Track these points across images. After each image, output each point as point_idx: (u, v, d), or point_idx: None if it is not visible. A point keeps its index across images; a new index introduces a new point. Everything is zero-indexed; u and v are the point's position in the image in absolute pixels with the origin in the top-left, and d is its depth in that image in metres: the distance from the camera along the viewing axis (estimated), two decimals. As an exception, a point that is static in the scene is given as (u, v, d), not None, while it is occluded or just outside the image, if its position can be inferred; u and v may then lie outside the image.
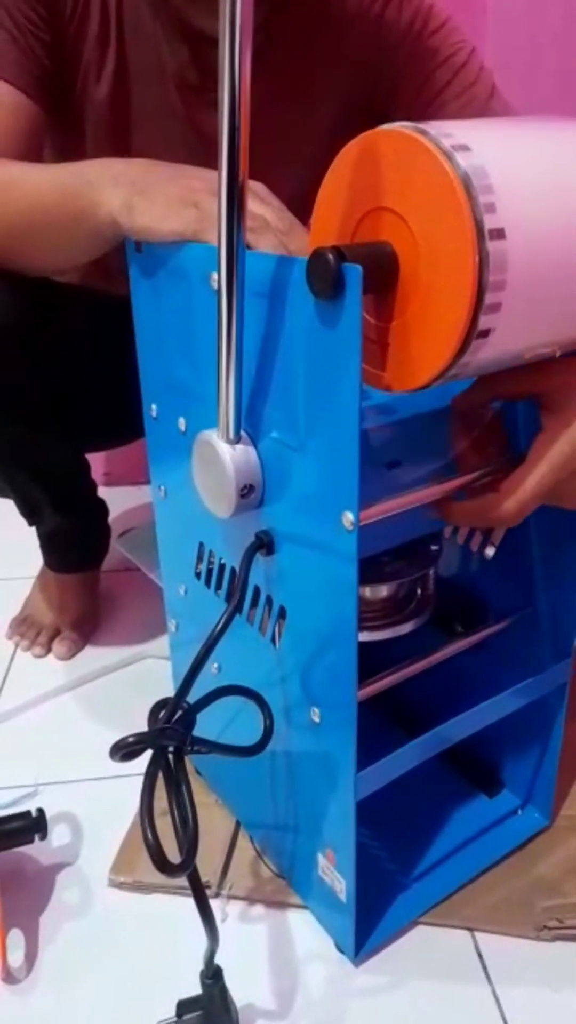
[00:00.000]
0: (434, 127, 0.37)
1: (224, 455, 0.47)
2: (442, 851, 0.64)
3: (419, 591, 0.60)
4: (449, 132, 0.37)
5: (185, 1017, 0.50)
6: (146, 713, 0.45)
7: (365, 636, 0.57)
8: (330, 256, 0.36)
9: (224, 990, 0.49)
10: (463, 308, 0.36)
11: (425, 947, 0.58)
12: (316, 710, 0.50)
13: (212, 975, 0.48)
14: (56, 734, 0.79)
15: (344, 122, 0.71)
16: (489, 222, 0.35)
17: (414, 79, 0.72)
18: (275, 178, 0.52)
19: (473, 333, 0.36)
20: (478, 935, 0.59)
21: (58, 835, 0.67)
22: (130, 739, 0.42)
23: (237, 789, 0.67)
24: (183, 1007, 0.50)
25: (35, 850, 0.64)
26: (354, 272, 0.36)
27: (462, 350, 0.37)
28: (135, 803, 0.49)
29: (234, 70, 0.36)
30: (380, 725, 0.70)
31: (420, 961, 0.57)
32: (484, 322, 0.36)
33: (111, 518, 0.94)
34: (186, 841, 0.41)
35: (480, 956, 0.57)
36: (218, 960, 0.49)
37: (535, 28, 1.00)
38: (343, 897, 0.54)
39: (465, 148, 0.36)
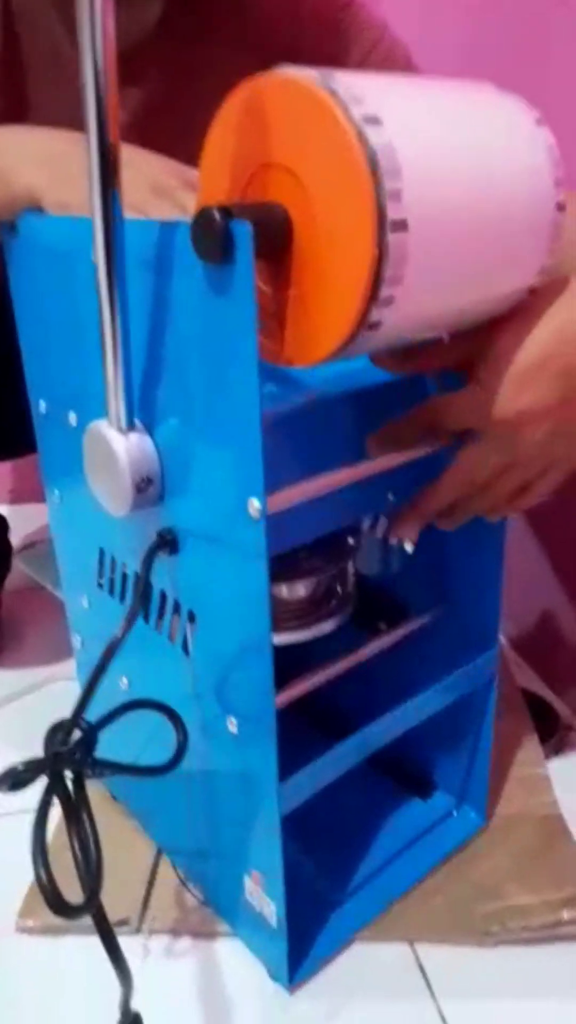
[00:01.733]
0: (343, 85, 0.33)
1: (116, 446, 0.43)
2: (377, 862, 0.60)
3: (338, 588, 0.57)
4: (359, 96, 0.33)
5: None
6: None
7: (284, 638, 0.53)
8: (217, 215, 0.33)
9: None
10: (361, 281, 0.33)
11: (364, 965, 0.54)
12: (233, 720, 0.47)
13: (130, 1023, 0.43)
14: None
15: None
16: (392, 211, 0.33)
17: (327, 55, 0.69)
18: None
19: (374, 302, 0.34)
20: (418, 947, 0.56)
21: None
22: (19, 766, 0.37)
23: (157, 813, 0.62)
24: (101, 1062, 0.45)
25: None
26: (243, 230, 0.33)
27: (363, 319, 0.34)
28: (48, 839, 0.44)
29: (95, 30, 0.32)
30: (305, 733, 0.67)
31: (359, 981, 0.53)
32: (385, 292, 0.34)
33: (19, 537, 0.87)
34: (88, 878, 0.36)
35: (422, 969, 0.54)
36: (144, 1000, 0.44)
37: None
38: (273, 921, 0.50)
39: (376, 121, 0.33)
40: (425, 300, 0.36)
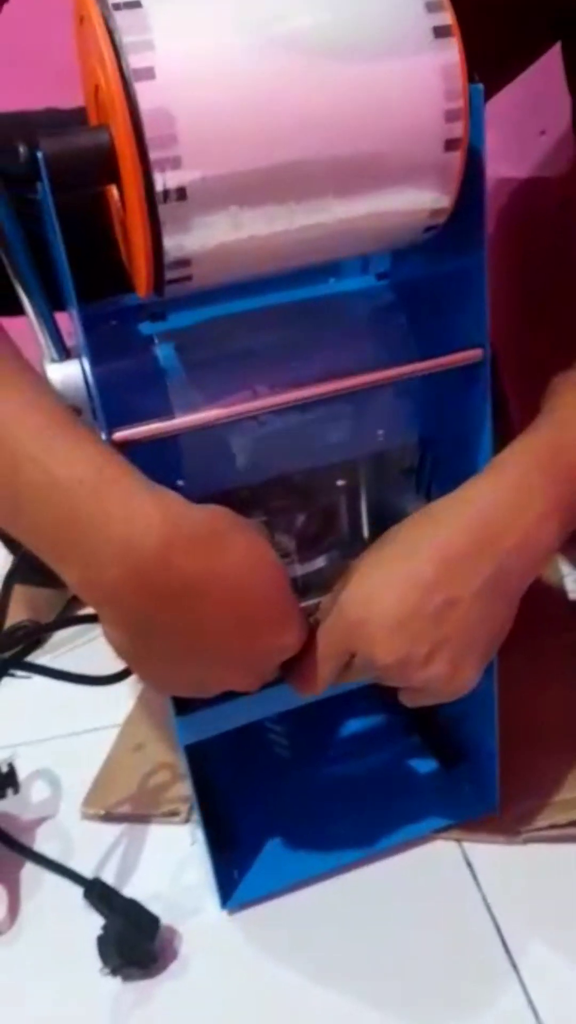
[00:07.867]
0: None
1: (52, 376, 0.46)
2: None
3: (328, 528, 0.55)
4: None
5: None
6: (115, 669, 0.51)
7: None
8: (21, 148, 0.35)
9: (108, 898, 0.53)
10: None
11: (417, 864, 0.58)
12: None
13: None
14: (26, 695, 0.70)
15: None
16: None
17: None
18: None
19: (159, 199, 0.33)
20: (465, 845, 0.59)
21: (37, 791, 0.69)
22: None
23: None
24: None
25: (11, 806, 0.65)
26: (40, 158, 0.34)
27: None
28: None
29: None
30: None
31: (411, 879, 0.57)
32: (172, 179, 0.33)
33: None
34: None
35: (469, 865, 0.58)
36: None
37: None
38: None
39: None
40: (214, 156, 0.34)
